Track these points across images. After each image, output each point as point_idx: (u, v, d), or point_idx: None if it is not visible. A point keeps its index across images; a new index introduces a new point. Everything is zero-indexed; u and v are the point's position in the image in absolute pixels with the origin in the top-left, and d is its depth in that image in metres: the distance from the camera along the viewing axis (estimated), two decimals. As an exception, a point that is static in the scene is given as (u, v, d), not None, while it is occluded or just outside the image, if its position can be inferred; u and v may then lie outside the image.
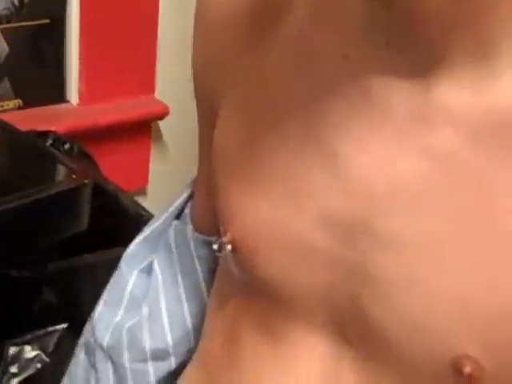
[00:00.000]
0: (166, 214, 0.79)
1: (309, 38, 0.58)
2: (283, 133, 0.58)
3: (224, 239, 0.61)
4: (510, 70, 0.51)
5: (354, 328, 0.56)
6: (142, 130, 1.71)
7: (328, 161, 0.56)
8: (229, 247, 0.61)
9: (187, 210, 0.78)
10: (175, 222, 0.78)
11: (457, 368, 0.51)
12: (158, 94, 1.70)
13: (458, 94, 0.52)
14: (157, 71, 1.68)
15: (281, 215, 0.58)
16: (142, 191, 1.75)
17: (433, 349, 0.52)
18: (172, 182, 1.76)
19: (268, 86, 0.60)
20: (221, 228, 0.63)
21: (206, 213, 0.74)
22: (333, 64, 0.56)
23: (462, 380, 0.51)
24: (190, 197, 0.79)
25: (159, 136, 1.76)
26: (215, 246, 0.62)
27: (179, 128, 1.70)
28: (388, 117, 0.54)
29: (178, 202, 0.79)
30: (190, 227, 0.76)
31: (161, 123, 1.74)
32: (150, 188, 1.78)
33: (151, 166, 1.76)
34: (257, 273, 0.60)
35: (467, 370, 0.51)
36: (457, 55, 0.52)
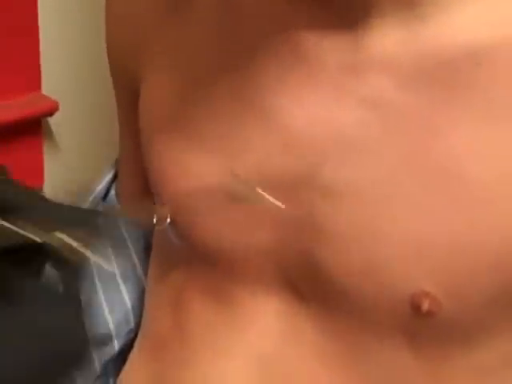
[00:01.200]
0: (91, 198, 0.78)
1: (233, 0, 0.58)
2: (216, 96, 0.58)
3: (162, 211, 0.60)
4: (437, 13, 0.53)
5: (307, 282, 0.57)
6: (32, 128, 1.67)
7: (265, 119, 0.56)
8: (168, 219, 0.60)
9: (113, 192, 0.77)
10: (103, 204, 0.77)
11: (415, 305, 0.53)
12: (44, 91, 1.66)
13: (388, 42, 0.53)
14: (42, 67, 1.65)
15: (219, 178, 0.58)
16: (39, 190, 1.71)
17: (389, 290, 0.54)
18: (68, 178, 1.73)
19: (196, 49, 0.60)
20: (157, 200, 0.63)
21: (134, 191, 0.73)
22: (259, 24, 0.57)
23: (421, 318, 0.53)
24: (114, 178, 0.78)
25: (50, 133, 1.73)
26: (154, 220, 0.61)
27: (71, 122, 1.67)
28: (322, 71, 0.55)
29: (102, 185, 0.78)
30: (118, 208, 0.76)
31: (51, 120, 1.71)
32: (46, 187, 1.74)
33: (45, 164, 1.72)
34: (199, 240, 0.60)
35: (425, 306, 0.52)
36: (384, 2, 0.53)
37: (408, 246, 0.53)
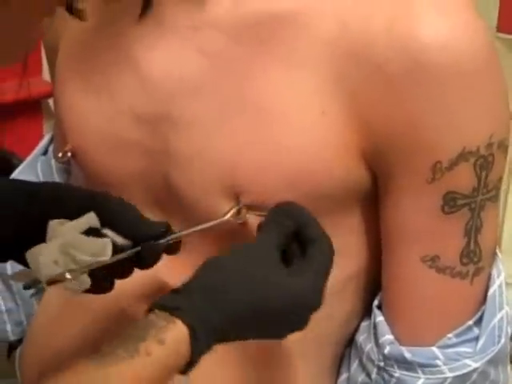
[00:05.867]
0: (34, 152, 0.96)
1: None
2: (99, 54, 0.76)
3: (66, 148, 0.78)
4: None
5: (168, 200, 0.74)
6: (33, 109, 1.85)
7: (132, 70, 0.74)
8: (69, 154, 0.78)
9: (51, 148, 0.96)
10: (41, 157, 0.96)
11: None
12: (45, 76, 1.84)
13: (222, 7, 0.71)
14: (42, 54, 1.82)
15: (102, 119, 0.75)
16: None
17: (218, 200, 0.71)
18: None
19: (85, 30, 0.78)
20: (63, 142, 0.80)
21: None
22: (125, 8, 0.75)
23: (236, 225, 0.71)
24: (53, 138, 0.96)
25: (50, 113, 1.90)
26: (59, 154, 0.79)
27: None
28: (172, 31, 0.72)
29: (43, 143, 0.97)
30: (53, 161, 0.95)
31: (51, 101, 1.88)
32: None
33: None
34: (92, 171, 0.77)
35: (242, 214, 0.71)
36: None
37: (229, 164, 0.70)
